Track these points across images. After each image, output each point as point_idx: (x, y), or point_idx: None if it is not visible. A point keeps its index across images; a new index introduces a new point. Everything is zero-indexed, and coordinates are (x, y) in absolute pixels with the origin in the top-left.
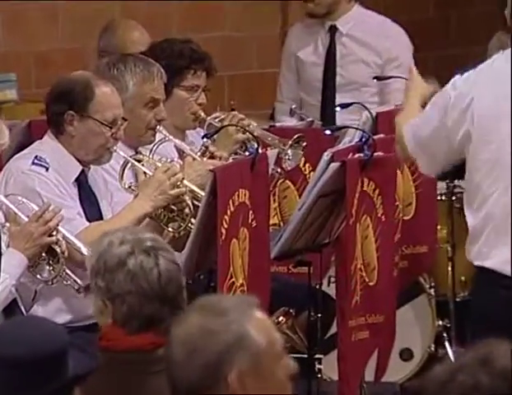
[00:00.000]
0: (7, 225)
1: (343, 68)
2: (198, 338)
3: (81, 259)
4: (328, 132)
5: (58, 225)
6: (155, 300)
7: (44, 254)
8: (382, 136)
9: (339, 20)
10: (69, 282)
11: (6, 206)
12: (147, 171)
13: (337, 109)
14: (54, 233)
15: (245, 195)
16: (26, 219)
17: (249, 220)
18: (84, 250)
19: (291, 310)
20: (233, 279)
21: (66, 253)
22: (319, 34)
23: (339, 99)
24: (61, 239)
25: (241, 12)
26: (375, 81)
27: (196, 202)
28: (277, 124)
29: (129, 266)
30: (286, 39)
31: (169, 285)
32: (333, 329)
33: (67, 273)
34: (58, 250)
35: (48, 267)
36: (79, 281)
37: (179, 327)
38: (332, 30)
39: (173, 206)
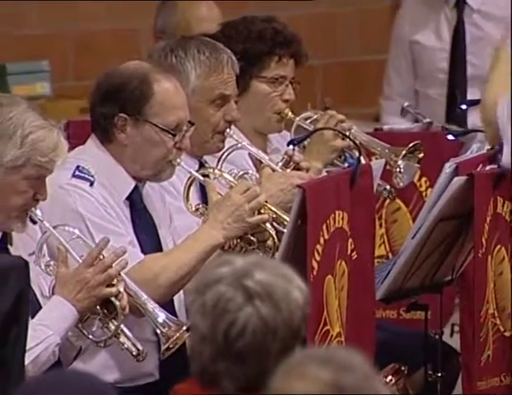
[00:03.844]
0: (52, 263)
1: (474, 55)
2: None
3: (143, 314)
4: (451, 137)
5: (120, 272)
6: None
7: (98, 307)
8: None
9: None
10: (126, 346)
11: (54, 238)
12: (219, 191)
13: (463, 106)
14: (115, 282)
15: (343, 219)
16: (78, 258)
17: (349, 252)
18: (150, 305)
19: (403, 367)
20: (327, 327)
21: (127, 310)
22: (443, 10)
23: (469, 95)
24: (122, 290)
25: None
26: None
27: (279, 227)
28: (385, 127)
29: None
30: (398, 18)
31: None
32: (457, 391)
33: (125, 334)
34: (117, 304)
35: (100, 324)
36: (138, 344)
37: None
38: (460, 4)
39: (251, 237)
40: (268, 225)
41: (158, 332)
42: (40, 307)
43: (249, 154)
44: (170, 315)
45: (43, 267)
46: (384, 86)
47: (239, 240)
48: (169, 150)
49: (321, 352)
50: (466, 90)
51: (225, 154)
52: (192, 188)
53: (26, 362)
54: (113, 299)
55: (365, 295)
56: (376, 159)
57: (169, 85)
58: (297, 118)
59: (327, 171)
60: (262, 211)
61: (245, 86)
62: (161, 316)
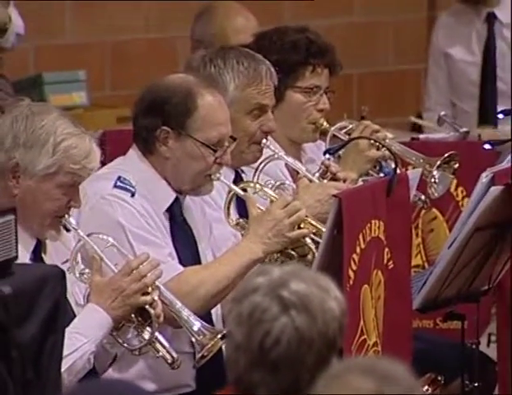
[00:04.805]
0: (86, 271)
1: (505, 70)
2: None
3: (178, 323)
4: (487, 146)
5: (155, 281)
6: None
7: (132, 315)
8: None
9: (499, 5)
10: (161, 354)
11: (88, 247)
12: (259, 205)
13: (500, 116)
14: (149, 290)
15: (379, 228)
16: (112, 266)
17: (385, 261)
18: (185, 313)
19: (440, 377)
20: (364, 336)
21: (161, 318)
22: (474, 24)
23: (500, 107)
24: (157, 298)
25: None
26: None
27: (317, 238)
28: (421, 137)
29: None
30: (434, 30)
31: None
32: None
33: (160, 342)
34: (152, 313)
35: (135, 332)
36: (173, 352)
37: None
38: (491, 19)
39: (291, 251)
40: (308, 239)
41: (193, 339)
42: (75, 316)
43: (286, 164)
44: (205, 323)
45: (77, 275)
46: (425, 97)
47: (279, 254)
48: (209, 165)
49: (364, 362)
50: (496, 103)
51: (262, 165)
52: (231, 202)
53: (62, 370)
54: (147, 307)
55: (402, 305)
56: (412, 169)
57: (213, 100)
58: (332, 128)
59: (363, 181)
60: (302, 225)
61: (280, 97)
62: (196, 324)
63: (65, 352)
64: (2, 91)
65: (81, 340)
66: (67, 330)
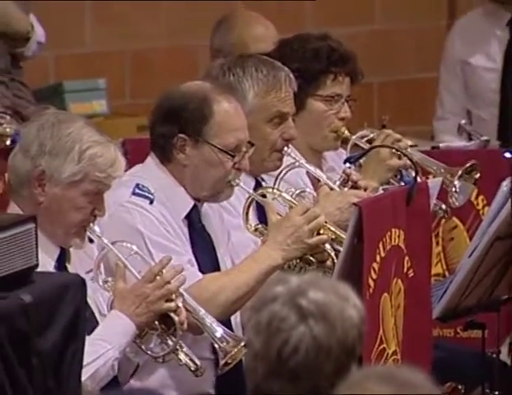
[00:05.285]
0: (110, 279)
1: None
2: None
3: (201, 330)
4: (508, 154)
5: (179, 288)
6: None
7: (156, 323)
8: None
9: None
10: (184, 361)
11: (112, 254)
12: (278, 211)
13: None
14: (173, 297)
15: (399, 237)
16: (136, 273)
17: (405, 270)
18: (208, 320)
19: (460, 386)
20: (383, 345)
21: (185, 325)
22: (493, 30)
23: None
24: (181, 305)
25: None
26: None
27: (337, 246)
28: (442, 145)
29: None
30: (449, 37)
31: None
32: None
33: (183, 350)
34: (176, 320)
35: (158, 339)
36: (196, 360)
37: None
38: None
39: (311, 257)
40: (328, 245)
41: (216, 346)
42: (98, 325)
43: (307, 172)
44: (228, 330)
45: (101, 283)
46: (437, 107)
47: (298, 261)
48: (227, 170)
49: (383, 370)
50: None
51: (283, 172)
52: (250, 208)
53: (85, 377)
54: (171, 314)
55: (422, 314)
56: (433, 177)
57: (229, 106)
58: (353, 137)
59: (383, 189)
60: (321, 231)
61: (301, 105)
62: (219, 331)
63: (88, 359)
64: (24, 99)
65: (104, 347)
66: (91, 337)
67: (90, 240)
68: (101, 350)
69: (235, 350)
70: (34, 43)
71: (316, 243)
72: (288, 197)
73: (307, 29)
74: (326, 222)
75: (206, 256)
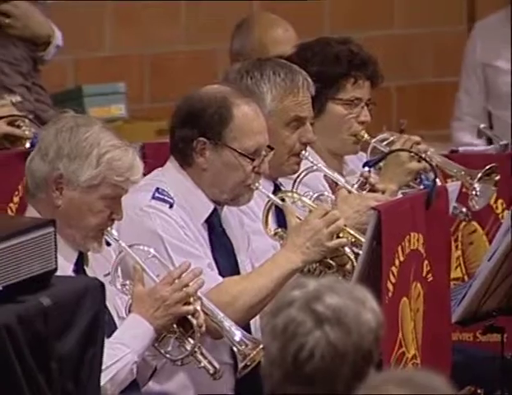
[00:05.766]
0: (128, 283)
1: None
2: None
3: (221, 335)
4: None
5: (197, 291)
6: None
7: (174, 326)
8: None
9: None
10: (203, 364)
11: (130, 258)
12: (298, 215)
13: None
14: (191, 300)
15: (418, 240)
16: (154, 277)
17: (424, 274)
18: (227, 324)
19: (479, 390)
20: (403, 349)
21: (203, 328)
22: None
23: None
24: (199, 308)
25: (414, 4)
26: None
27: (356, 250)
28: (461, 149)
29: None
30: (470, 40)
31: None
32: None
33: (201, 352)
34: (195, 323)
35: (176, 342)
36: (215, 362)
37: None
38: None
39: (330, 261)
40: (347, 248)
41: (235, 349)
42: (117, 328)
43: (325, 176)
44: (246, 333)
45: (119, 286)
46: (455, 109)
47: (318, 264)
48: (247, 174)
49: (402, 374)
50: None
51: (301, 176)
52: (270, 212)
53: (104, 381)
54: (189, 317)
55: (441, 318)
56: (452, 181)
57: (249, 109)
58: (373, 140)
59: (402, 193)
60: (341, 234)
61: (321, 108)
62: (238, 334)
63: (108, 363)
64: (44, 103)
65: (123, 350)
66: (110, 340)
67: (108, 243)
68: (120, 354)
69: (254, 352)
70: (53, 47)
71: (335, 246)
72: (307, 201)
73: (326, 32)
74: (345, 225)
75: (226, 260)
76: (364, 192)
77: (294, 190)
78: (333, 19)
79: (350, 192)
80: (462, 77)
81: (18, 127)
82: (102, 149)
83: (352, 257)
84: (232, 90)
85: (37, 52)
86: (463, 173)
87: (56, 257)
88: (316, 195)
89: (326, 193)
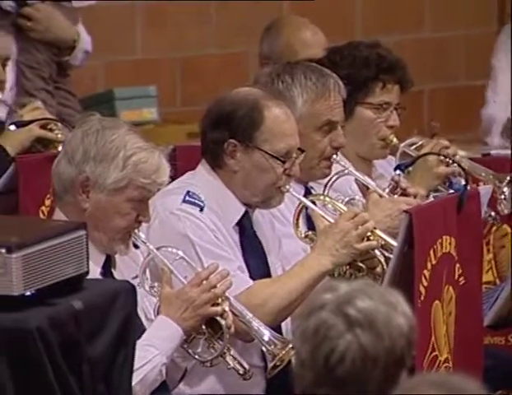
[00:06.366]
0: (156, 285)
1: None
2: None
3: (250, 336)
4: None
5: (225, 292)
6: None
7: (203, 327)
8: None
9: None
10: (232, 365)
11: (158, 260)
12: (328, 217)
13: None
14: (219, 301)
15: (450, 244)
16: (182, 278)
17: (456, 277)
18: (255, 324)
19: (511, 394)
20: (435, 352)
21: (232, 329)
22: None
23: None
24: (227, 309)
25: (445, 6)
26: None
27: (387, 254)
28: (493, 152)
29: None
30: (497, 43)
31: None
32: None
33: (231, 353)
34: (223, 323)
35: (206, 344)
36: (244, 363)
37: None
38: None
39: (360, 264)
40: (377, 251)
41: (264, 349)
42: (145, 330)
43: (356, 180)
44: (275, 333)
45: (147, 288)
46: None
47: (348, 267)
48: (278, 176)
49: (435, 377)
50: None
51: (332, 180)
52: (300, 215)
53: (134, 383)
54: (218, 318)
55: (473, 321)
56: (483, 185)
57: (280, 111)
58: (402, 144)
59: (434, 197)
60: (371, 237)
61: (350, 112)
62: (267, 334)
63: (137, 365)
64: (70, 108)
65: (152, 352)
66: (139, 342)
67: (135, 246)
68: (149, 356)
69: (283, 352)
70: (80, 51)
71: (365, 248)
72: (339, 204)
73: (356, 36)
74: (375, 228)
75: (256, 262)
76: (395, 196)
77: (322, 193)
78: (364, 23)
79: (381, 196)
80: (490, 80)
81: (51, 130)
82: (128, 151)
83: (382, 259)
84: (263, 93)
85: (61, 56)
86: (491, 177)
87: (88, 261)
88: (347, 199)
89: (357, 197)
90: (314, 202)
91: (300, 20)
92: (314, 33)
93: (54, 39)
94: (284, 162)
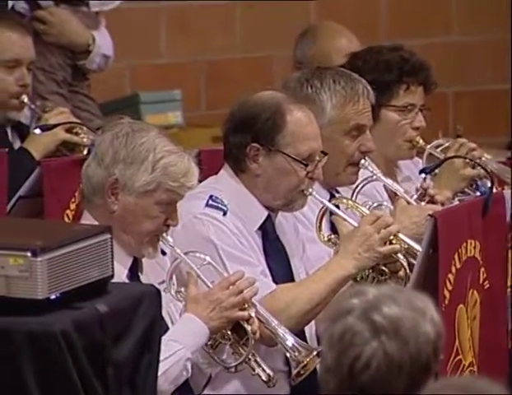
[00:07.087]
0: (183, 290)
1: None
2: None
3: (274, 342)
4: None
5: (252, 297)
6: None
7: (228, 332)
8: None
9: None
10: (257, 371)
11: (185, 264)
12: (351, 221)
13: None
14: (246, 306)
15: (475, 248)
16: (209, 283)
17: (481, 281)
18: (281, 331)
19: None
20: (459, 356)
21: (257, 335)
22: None
23: None
24: (253, 315)
25: (471, 10)
26: None
27: (411, 260)
28: None
29: None
30: None
31: None
32: None
33: (255, 360)
34: (249, 329)
35: (230, 350)
36: (269, 370)
37: None
38: None
39: (383, 267)
40: (400, 255)
41: (288, 355)
42: None
43: (384, 185)
44: (300, 340)
45: (173, 293)
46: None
47: (371, 271)
48: (301, 180)
49: (460, 381)
50: None
51: (360, 186)
52: (323, 219)
53: (158, 375)
54: (244, 323)
55: (498, 325)
56: (509, 188)
57: (302, 115)
58: (428, 146)
59: (459, 200)
60: (394, 241)
61: (375, 115)
62: (291, 340)
63: (161, 357)
64: (88, 112)
65: (176, 346)
66: (163, 338)
67: (163, 252)
68: (173, 349)
69: (307, 359)
70: (97, 55)
71: (388, 252)
72: (363, 209)
73: (382, 41)
74: (398, 232)
75: (279, 267)
76: (423, 203)
77: (349, 197)
78: (390, 28)
79: (409, 202)
80: None
81: (76, 134)
82: (158, 154)
83: (405, 264)
84: (285, 96)
85: (76, 60)
86: None
87: (113, 264)
88: (375, 205)
89: (385, 203)
90: (337, 206)
91: (337, 27)
92: (349, 41)
93: (68, 43)
94: (306, 165)
